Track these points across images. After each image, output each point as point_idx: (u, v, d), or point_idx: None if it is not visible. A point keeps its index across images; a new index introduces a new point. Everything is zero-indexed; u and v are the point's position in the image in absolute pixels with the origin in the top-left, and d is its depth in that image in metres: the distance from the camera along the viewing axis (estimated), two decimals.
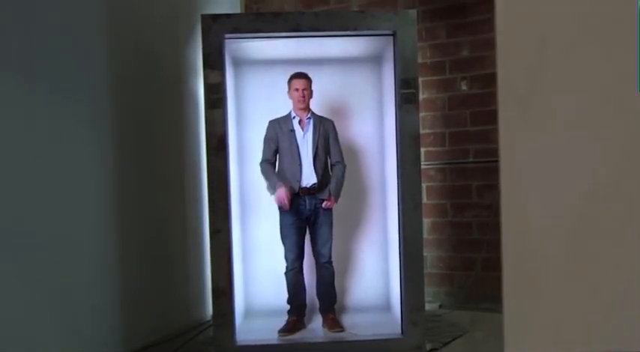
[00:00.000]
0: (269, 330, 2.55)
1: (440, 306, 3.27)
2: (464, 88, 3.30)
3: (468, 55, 3.28)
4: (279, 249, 2.68)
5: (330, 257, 2.61)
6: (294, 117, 2.62)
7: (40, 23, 2.06)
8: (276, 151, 2.60)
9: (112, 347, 2.43)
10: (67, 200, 2.17)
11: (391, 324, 2.63)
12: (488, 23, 3.05)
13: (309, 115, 2.63)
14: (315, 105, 2.73)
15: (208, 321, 3.11)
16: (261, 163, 2.61)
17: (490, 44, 2.97)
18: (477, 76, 3.25)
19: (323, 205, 2.57)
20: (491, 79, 2.79)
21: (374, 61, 2.96)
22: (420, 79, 3.16)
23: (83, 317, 2.25)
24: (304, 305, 2.65)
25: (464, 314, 3.08)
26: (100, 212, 2.38)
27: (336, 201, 2.63)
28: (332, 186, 2.61)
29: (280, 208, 2.59)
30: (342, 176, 2.66)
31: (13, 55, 1.93)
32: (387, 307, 2.94)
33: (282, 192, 2.49)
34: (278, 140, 2.55)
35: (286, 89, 2.65)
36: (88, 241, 2.30)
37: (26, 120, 1.99)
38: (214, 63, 2.35)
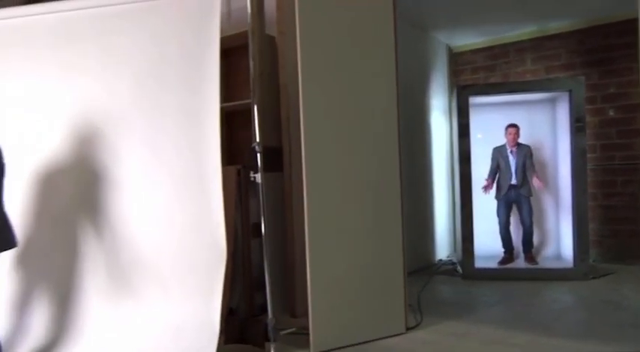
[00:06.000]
0: (493, 263, 4.46)
1: (593, 261, 4.89)
2: (611, 113, 4.87)
3: (614, 91, 4.84)
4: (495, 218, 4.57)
5: (531, 223, 4.46)
6: (508, 148, 4.48)
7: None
8: (498, 164, 4.48)
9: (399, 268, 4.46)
10: (378, 191, 4.22)
11: (565, 263, 4.38)
12: (629, 69, 4.63)
13: (516, 146, 4.46)
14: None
15: (439, 261, 5.08)
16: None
17: (630, 84, 4.58)
18: (620, 105, 4.79)
19: (536, 185, 4.43)
20: (632, 108, 4.42)
21: (551, 102, 4.69)
22: None
23: (388, 250, 4.28)
24: (513, 248, 4.52)
25: (611, 265, 4.68)
26: (393, 197, 4.42)
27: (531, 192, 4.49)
28: (527, 186, 4.44)
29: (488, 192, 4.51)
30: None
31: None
32: (559, 256, 4.69)
33: (485, 182, 4.45)
34: (498, 159, 4.44)
35: (503, 131, 4.53)
36: (388, 213, 4.32)
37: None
38: (464, 112, 4.27)
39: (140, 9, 2.71)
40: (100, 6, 2.72)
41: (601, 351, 2.53)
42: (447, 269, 4.75)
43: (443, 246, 5.26)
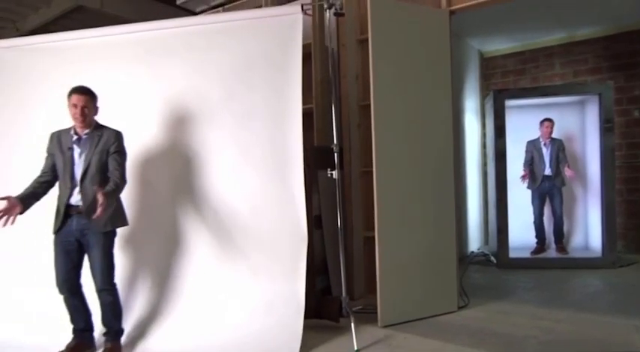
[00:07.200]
0: (525, 253, 4.83)
1: (619, 252, 5.23)
2: (637, 114, 5.20)
3: (639, 93, 5.17)
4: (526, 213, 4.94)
5: (562, 214, 4.82)
6: (542, 141, 4.83)
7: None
8: (532, 156, 4.84)
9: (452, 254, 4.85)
10: (436, 187, 4.59)
11: (593, 253, 4.74)
12: None
13: (549, 139, 4.82)
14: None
15: (471, 253, 5.45)
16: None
17: None
18: None
19: (568, 175, 4.77)
20: None
21: (580, 104, 5.05)
22: None
23: (443, 238, 4.67)
24: (545, 238, 4.89)
25: (634, 256, 5.02)
26: (448, 193, 4.81)
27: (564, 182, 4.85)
28: (560, 176, 4.80)
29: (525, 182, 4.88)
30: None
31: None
32: (587, 246, 5.05)
33: (522, 172, 4.81)
34: (532, 152, 4.79)
35: (531, 132, 4.89)
36: (444, 207, 4.69)
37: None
38: (500, 114, 4.64)
39: (231, 26, 3.14)
40: (196, 24, 3.16)
41: None
42: (480, 260, 5.13)
43: (474, 239, 5.63)
